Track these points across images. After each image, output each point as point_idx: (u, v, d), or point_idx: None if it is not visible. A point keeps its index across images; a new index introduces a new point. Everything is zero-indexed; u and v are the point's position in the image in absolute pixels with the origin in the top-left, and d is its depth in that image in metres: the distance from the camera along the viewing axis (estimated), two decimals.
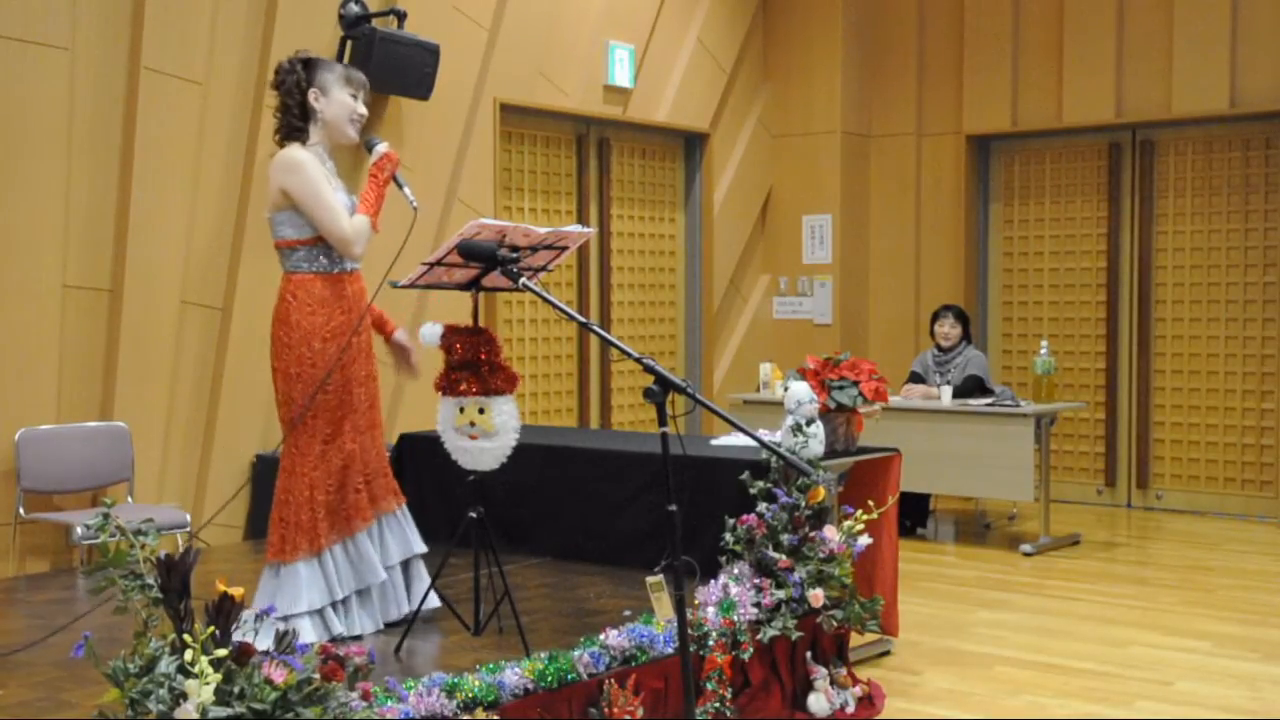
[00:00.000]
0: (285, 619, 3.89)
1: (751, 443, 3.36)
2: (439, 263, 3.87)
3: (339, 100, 4.11)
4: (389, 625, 4.22)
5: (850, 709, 4.40)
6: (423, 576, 4.38)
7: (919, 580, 6.45)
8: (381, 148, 4.13)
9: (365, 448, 4.18)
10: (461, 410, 4.07)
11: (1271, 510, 8.22)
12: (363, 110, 4.18)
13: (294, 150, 4.04)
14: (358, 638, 4.09)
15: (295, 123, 4.11)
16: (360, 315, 4.11)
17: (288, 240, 4.06)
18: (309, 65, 4.13)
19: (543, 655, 3.61)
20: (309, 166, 4.00)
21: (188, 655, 2.63)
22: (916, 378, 7.85)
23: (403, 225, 4.20)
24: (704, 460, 4.91)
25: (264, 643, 2.81)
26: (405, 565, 4.36)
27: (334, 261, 4.08)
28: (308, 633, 3.94)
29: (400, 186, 4.12)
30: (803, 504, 4.49)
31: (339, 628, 4.07)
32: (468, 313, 4.13)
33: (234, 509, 6.22)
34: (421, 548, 4.37)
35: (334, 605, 4.09)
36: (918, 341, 9.09)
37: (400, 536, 4.32)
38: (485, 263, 3.83)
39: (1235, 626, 5.61)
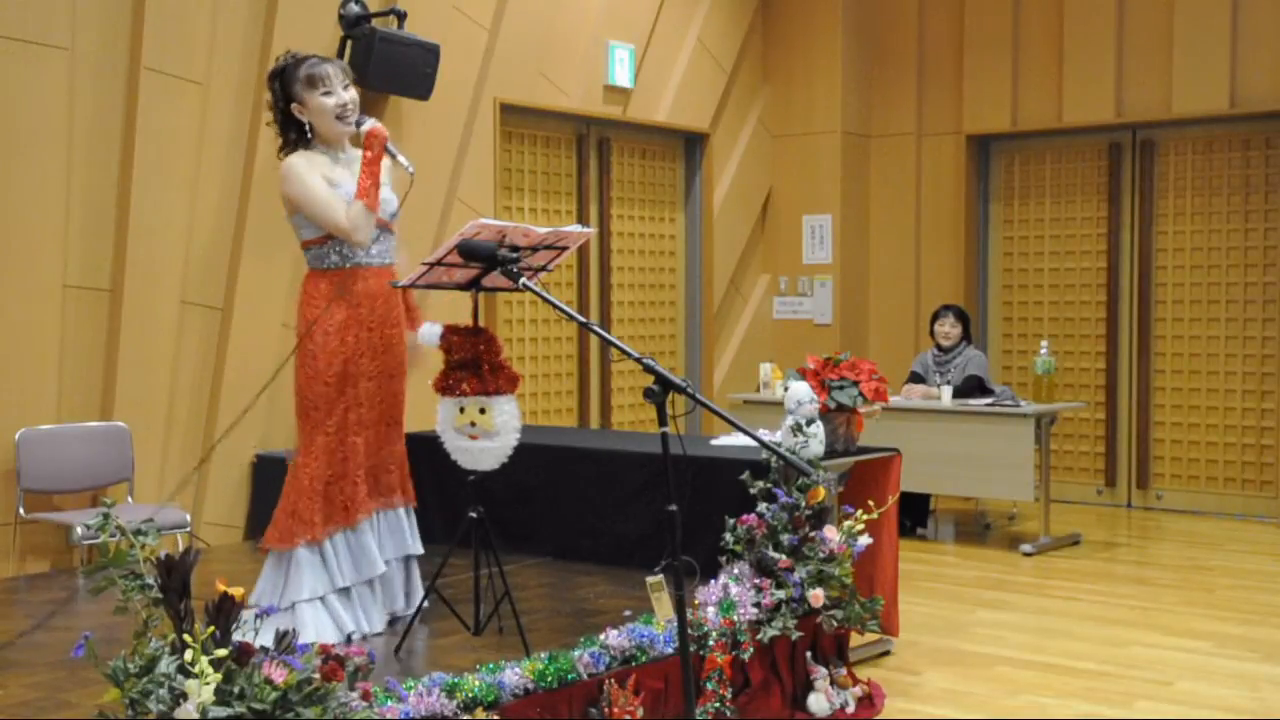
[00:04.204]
0: (293, 606, 3.99)
1: (751, 443, 3.36)
2: (439, 263, 3.87)
3: (315, 106, 4.10)
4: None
5: (850, 709, 4.40)
6: (416, 578, 4.40)
7: (919, 580, 6.44)
8: (366, 125, 4.08)
9: (371, 442, 4.19)
10: (462, 410, 4.07)
11: (1271, 510, 8.22)
12: (343, 98, 4.10)
13: (288, 159, 4.13)
14: (372, 635, 4.12)
15: (291, 135, 4.18)
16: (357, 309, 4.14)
17: (304, 240, 4.16)
18: (283, 79, 4.14)
19: (543, 655, 3.61)
20: (297, 169, 4.07)
21: (188, 655, 2.63)
22: (916, 378, 7.85)
23: (401, 192, 4.23)
24: (704, 460, 4.91)
25: (265, 640, 2.81)
26: (405, 563, 4.39)
27: (345, 258, 4.12)
28: (309, 624, 3.98)
29: (394, 156, 4.10)
30: (803, 504, 4.49)
31: (349, 625, 4.08)
32: (468, 313, 4.13)
33: (234, 509, 6.22)
34: (416, 550, 4.38)
35: (344, 600, 4.10)
36: (918, 341, 9.09)
37: (398, 534, 4.34)
38: (485, 263, 3.83)
39: (1235, 626, 5.61)
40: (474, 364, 4.07)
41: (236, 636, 2.72)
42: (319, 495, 4.07)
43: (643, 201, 8.79)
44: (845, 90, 9.24)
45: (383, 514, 4.30)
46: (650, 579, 3.81)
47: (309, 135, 4.16)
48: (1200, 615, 5.82)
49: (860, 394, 5.16)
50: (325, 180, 4.07)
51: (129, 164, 5.73)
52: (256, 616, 2.87)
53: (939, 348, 7.87)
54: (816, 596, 4.35)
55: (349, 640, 3.96)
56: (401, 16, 6.56)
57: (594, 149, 8.36)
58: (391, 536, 4.32)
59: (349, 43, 6.42)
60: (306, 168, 4.07)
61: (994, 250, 9.42)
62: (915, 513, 7.86)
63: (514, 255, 3.81)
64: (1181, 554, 7.27)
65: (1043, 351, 7.50)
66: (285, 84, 4.13)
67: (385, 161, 4.17)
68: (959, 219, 9.25)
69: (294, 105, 4.12)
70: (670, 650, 3.87)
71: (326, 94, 4.09)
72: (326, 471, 4.09)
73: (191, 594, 2.75)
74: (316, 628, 3.99)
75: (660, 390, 2.94)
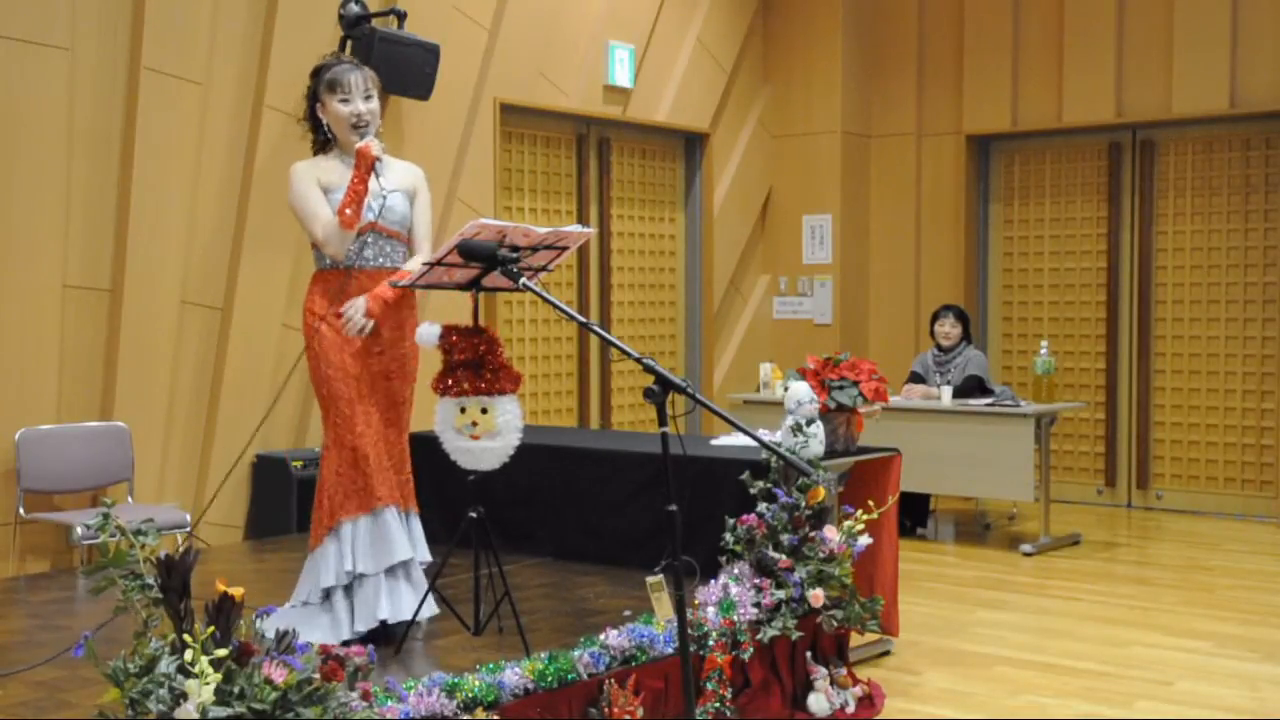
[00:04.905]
0: (309, 603, 4.06)
1: (751, 443, 3.36)
2: (439, 262, 3.87)
3: (332, 111, 4.15)
4: (369, 632, 4.09)
5: (850, 709, 4.40)
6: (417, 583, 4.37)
7: (919, 580, 6.44)
8: (360, 143, 4.08)
9: (384, 438, 4.19)
10: (463, 410, 4.06)
11: (1271, 510, 8.22)
12: (359, 109, 4.11)
13: (294, 164, 4.20)
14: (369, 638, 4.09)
15: (315, 135, 4.24)
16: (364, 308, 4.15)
17: (310, 241, 4.21)
18: (316, 75, 4.20)
19: (543, 655, 3.61)
20: (295, 177, 4.14)
21: (188, 655, 2.63)
22: (916, 378, 7.85)
23: None
24: (704, 460, 4.91)
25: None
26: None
27: (336, 260, 4.14)
28: (326, 613, 4.02)
29: (377, 176, 4.11)
30: (803, 504, 4.49)
31: (345, 632, 4.06)
32: (468, 313, 4.13)
33: (234, 509, 6.22)
34: (421, 556, 4.33)
35: (366, 589, 4.09)
36: (918, 341, 9.09)
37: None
38: (485, 263, 3.83)
39: (1235, 626, 5.61)
40: (475, 364, 4.07)
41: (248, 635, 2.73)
42: (333, 485, 4.10)
43: (643, 201, 8.78)
44: (845, 90, 9.24)
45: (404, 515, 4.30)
46: (650, 579, 3.81)
47: (331, 139, 4.21)
48: (1200, 615, 5.82)
49: (860, 394, 5.16)
50: (325, 185, 4.11)
51: (129, 164, 5.73)
52: (256, 616, 2.87)
53: (939, 348, 7.87)
54: (816, 596, 4.35)
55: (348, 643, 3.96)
56: (401, 16, 6.55)
57: (594, 149, 8.36)
58: (412, 542, 4.31)
59: (349, 43, 6.42)
60: (305, 174, 4.13)
61: (994, 250, 9.42)
62: (915, 513, 7.86)
63: (514, 255, 3.81)
64: (1181, 554, 7.27)
65: (1043, 351, 7.50)
66: (316, 82, 4.19)
67: (398, 164, 4.25)
68: (959, 219, 9.25)
69: (318, 105, 4.18)
70: (670, 650, 3.87)
71: (344, 101, 4.12)
72: (339, 461, 4.11)
73: (191, 594, 2.75)
74: (335, 620, 4.01)
75: (660, 390, 2.94)
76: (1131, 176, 8.83)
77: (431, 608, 4.22)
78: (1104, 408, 8.89)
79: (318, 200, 4.09)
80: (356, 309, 4.10)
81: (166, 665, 2.66)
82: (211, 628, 2.68)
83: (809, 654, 4.44)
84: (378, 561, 4.10)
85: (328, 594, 4.09)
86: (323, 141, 4.23)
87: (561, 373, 8.20)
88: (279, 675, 2.70)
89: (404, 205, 4.24)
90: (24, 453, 5.40)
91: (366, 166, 4.04)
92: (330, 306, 4.15)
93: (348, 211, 4.01)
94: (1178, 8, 8.36)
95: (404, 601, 4.13)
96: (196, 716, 2.60)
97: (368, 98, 4.15)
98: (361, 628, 4.04)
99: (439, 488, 5.34)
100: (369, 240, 4.16)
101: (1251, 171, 8.42)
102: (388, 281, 4.18)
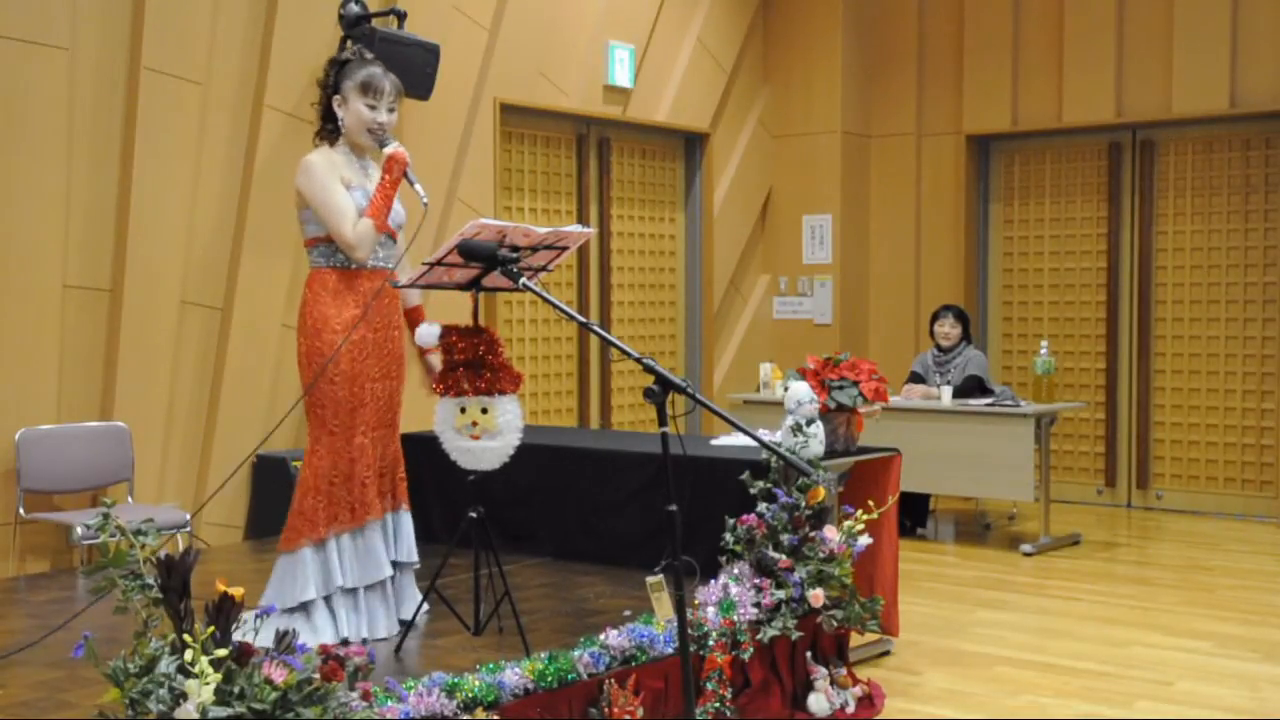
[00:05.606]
0: (291, 611, 4.00)
1: (751, 443, 3.36)
2: (439, 262, 3.87)
3: (354, 110, 4.14)
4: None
5: (850, 709, 4.41)
6: (407, 586, 4.38)
7: (919, 580, 6.45)
8: (390, 148, 4.10)
9: (378, 443, 4.19)
10: (463, 410, 4.06)
11: (1271, 510, 8.22)
12: (382, 119, 4.14)
13: (310, 154, 4.16)
14: (365, 641, 4.09)
15: (325, 124, 4.22)
16: (364, 311, 4.12)
17: (309, 237, 4.16)
18: (342, 68, 4.19)
19: (543, 655, 3.61)
20: (316, 169, 4.08)
21: (188, 655, 2.63)
22: (916, 378, 7.85)
23: (414, 221, 4.25)
24: (704, 460, 4.91)
25: (265, 641, 2.81)
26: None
27: (349, 258, 4.11)
28: (309, 625, 3.98)
29: (411, 183, 4.12)
30: (803, 504, 4.49)
31: (345, 631, 4.06)
32: (468, 313, 4.13)
33: (234, 509, 6.22)
34: (401, 558, 4.33)
35: (351, 604, 4.09)
36: (918, 341, 9.09)
37: (404, 539, 4.33)
38: (485, 263, 3.83)
39: (1235, 626, 5.61)
40: (476, 364, 4.07)
41: (236, 636, 2.72)
42: (324, 494, 4.08)
43: (643, 201, 8.78)
44: (845, 90, 9.24)
45: (390, 517, 4.29)
46: (650, 579, 3.81)
47: (339, 130, 4.20)
48: (1200, 615, 5.82)
49: (860, 394, 5.16)
50: (344, 182, 4.09)
51: (129, 164, 5.73)
52: (256, 616, 2.88)
53: (939, 348, 7.87)
54: (816, 596, 4.35)
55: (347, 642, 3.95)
56: (401, 16, 6.55)
57: (594, 149, 8.36)
58: (399, 541, 4.31)
59: (349, 43, 6.41)
60: (327, 168, 4.09)
61: (994, 250, 9.43)
62: (915, 513, 7.86)
63: (514, 255, 3.81)
64: (1181, 554, 7.27)
65: (1043, 351, 7.50)
66: (341, 75, 4.17)
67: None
68: (959, 219, 9.25)
69: (336, 98, 4.17)
70: (670, 650, 3.88)
71: (371, 106, 4.14)
72: (332, 471, 4.09)
73: (191, 594, 2.75)
74: (315, 629, 4.00)
75: (660, 390, 2.94)
76: (1131, 176, 8.83)
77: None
78: (1104, 408, 8.89)
79: (345, 197, 4.06)
80: (429, 341, 4.14)
81: (166, 665, 2.66)
82: (211, 628, 2.68)
83: (809, 654, 4.44)
84: (362, 576, 4.11)
85: (305, 605, 4.06)
86: (331, 132, 4.21)
87: (561, 373, 8.20)
88: (279, 675, 2.70)
89: (402, 209, 4.27)
90: (24, 453, 5.40)
91: (399, 171, 4.06)
92: (343, 309, 4.09)
93: (380, 215, 4.03)
94: (1178, 8, 8.36)
95: (379, 620, 4.17)
96: (196, 716, 2.60)
97: (391, 110, 4.19)
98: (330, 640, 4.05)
99: (439, 488, 5.34)
100: (382, 240, 4.17)
101: (1251, 171, 8.42)
102: (389, 282, 4.19)
